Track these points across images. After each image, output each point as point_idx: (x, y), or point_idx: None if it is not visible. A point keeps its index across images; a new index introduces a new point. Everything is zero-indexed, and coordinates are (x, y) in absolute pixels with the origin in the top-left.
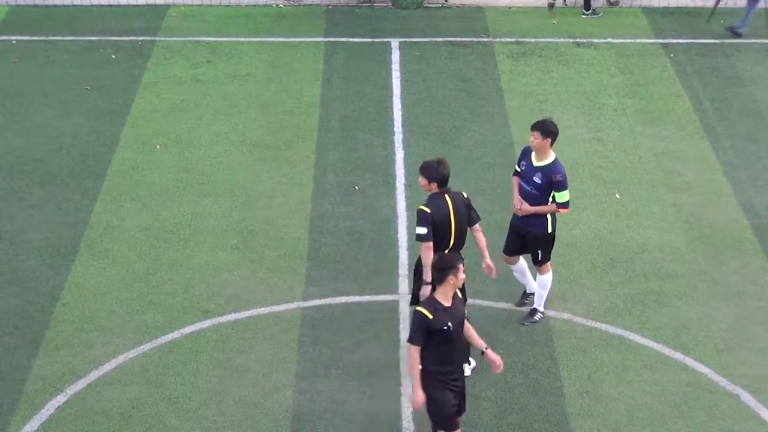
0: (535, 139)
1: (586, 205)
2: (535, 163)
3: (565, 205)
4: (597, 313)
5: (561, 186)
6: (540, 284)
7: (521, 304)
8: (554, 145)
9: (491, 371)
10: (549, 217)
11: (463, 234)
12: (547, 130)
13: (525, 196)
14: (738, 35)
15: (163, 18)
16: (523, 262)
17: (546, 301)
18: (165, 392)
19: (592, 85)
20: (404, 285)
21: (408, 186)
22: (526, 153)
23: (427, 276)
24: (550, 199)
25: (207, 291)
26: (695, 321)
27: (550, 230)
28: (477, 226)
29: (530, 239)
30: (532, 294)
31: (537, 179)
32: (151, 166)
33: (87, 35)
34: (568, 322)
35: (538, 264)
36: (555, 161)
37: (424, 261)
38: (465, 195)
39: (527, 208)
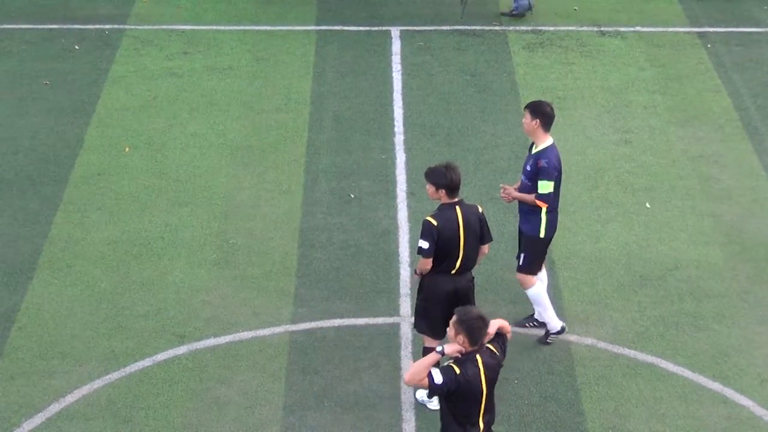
0: (524, 119)
1: (612, 215)
2: (533, 151)
3: (542, 197)
4: (625, 338)
5: (544, 174)
6: (533, 302)
7: (521, 325)
8: (576, 146)
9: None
10: (544, 220)
11: (474, 252)
12: (538, 110)
13: (520, 187)
14: (519, 15)
15: (132, 4)
16: (540, 284)
17: (551, 317)
18: (135, 428)
19: (618, 80)
20: (406, 306)
21: (410, 194)
22: (531, 145)
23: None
24: None
25: (182, 313)
26: (736, 347)
27: (542, 235)
28: (485, 247)
29: (522, 239)
30: (540, 322)
31: (528, 167)
32: (119, 172)
33: (47, 23)
34: (592, 349)
35: (519, 270)
36: (548, 147)
37: (419, 269)
38: (480, 209)
39: (511, 192)
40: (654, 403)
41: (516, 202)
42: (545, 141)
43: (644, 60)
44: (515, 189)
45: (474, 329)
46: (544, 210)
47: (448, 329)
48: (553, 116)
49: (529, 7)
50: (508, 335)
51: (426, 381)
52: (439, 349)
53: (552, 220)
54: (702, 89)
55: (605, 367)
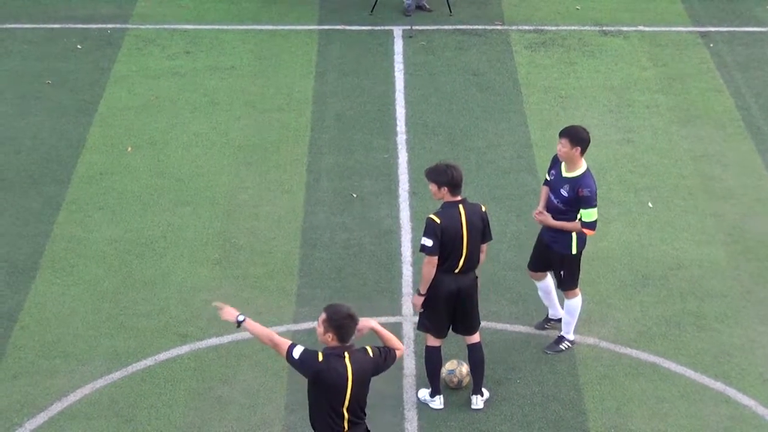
0: (562, 147)
1: (614, 215)
2: (564, 174)
3: (590, 225)
4: (627, 337)
5: (588, 202)
6: (566, 310)
7: (541, 327)
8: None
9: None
10: (574, 236)
11: (477, 251)
12: (577, 137)
13: (550, 209)
14: (427, 9)
15: (135, 3)
16: (549, 281)
17: (574, 328)
18: (137, 427)
19: (621, 79)
20: (408, 305)
21: (412, 193)
22: (557, 161)
23: (423, 288)
24: (578, 216)
25: (185, 312)
26: (738, 346)
27: (574, 251)
28: (485, 246)
29: (553, 257)
30: (556, 320)
31: (564, 192)
32: (121, 171)
33: (49, 22)
34: (595, 348)
35: (561, 287)
36: (585, 173)
37: (424, 274)
38: (483, 208)
39: (548, 220)
40: (656, 403)
41: (517, 202)
42: (581, 166)
43: (646, 59)
44: (544, 203)
45: (343, 327)
46: None
47: (316, 326)
48: (590, 140)
49: (410, 10)
50: (398, 352)
51: (283, 349)
52: (241, 318)
53: (582, 235)
54: (704, 89)
55: (607, 366)
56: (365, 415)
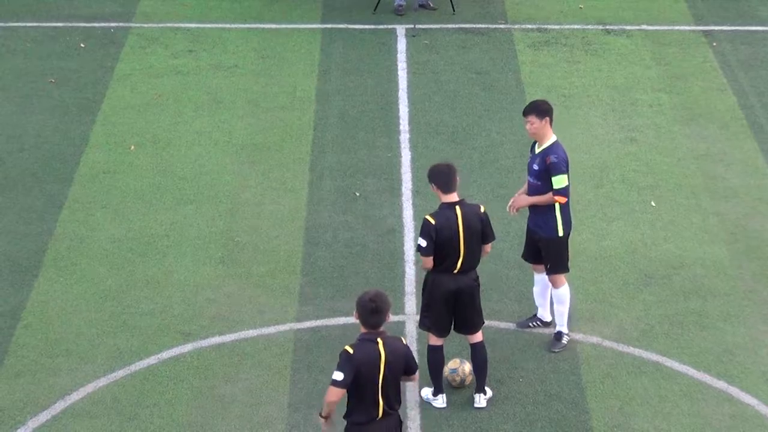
0: (531, 124)
1: (617, 213)
2: (536, 151)
3: (560, 192)
4: (630, 336)
5: (556, 168)
6: (556, 300)
7: (524, 325)
8: (582, 144)
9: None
10: (559, 218)
11: (475, 252)
12: (541, 109)
13: (530, 190)
14: (431, 8)
15: (138, 2)
16: (546, 278)
17: (569, 319)
18: (140, 425)
19: (624, 79)
20: (411, 304)
21: (415, 192)
22: (533, 146)
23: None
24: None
25: (187, 311)
26: (741, 345)
27: (560, 234)
28: (488, 246)
29: (540, 244)
30: (544, 322)
31: (535, 166)
32: (124, 170)
33: (52, 21)
34: (597, 347)
35: (548, 273)
36: (554, 144)
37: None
38: (482, 209)
39: (519, 201)
40: (659, 402)
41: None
42: (550, 137)
43: (650, 58)
44: (524, 192)
45: (365, 311)
46: (557, 208)
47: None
48: (552, 108)
49: (400, 9)
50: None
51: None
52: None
53: (566, 216)
54: (707, 88)
55: (610, 365)
56: (399, 404)
